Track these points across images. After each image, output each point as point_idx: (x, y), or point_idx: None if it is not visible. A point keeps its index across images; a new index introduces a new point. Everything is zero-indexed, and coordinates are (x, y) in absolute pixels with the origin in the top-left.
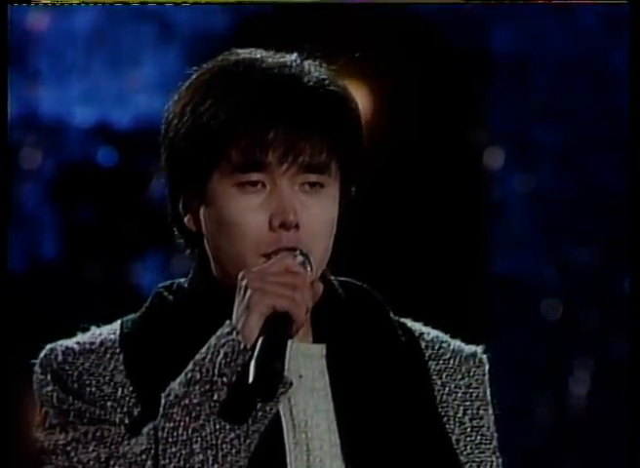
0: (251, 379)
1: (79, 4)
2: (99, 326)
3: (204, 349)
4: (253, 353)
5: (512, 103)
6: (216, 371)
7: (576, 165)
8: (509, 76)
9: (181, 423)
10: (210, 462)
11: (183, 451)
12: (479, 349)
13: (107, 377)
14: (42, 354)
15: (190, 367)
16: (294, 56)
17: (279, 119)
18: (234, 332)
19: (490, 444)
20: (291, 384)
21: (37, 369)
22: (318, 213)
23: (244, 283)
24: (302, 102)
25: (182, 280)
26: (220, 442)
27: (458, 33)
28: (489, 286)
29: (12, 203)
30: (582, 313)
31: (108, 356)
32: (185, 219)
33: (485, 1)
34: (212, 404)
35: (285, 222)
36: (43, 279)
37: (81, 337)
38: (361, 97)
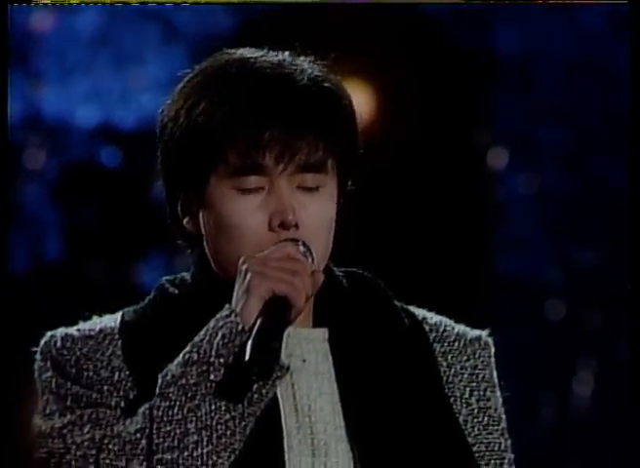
0: (247, 357)
1: (79, 4)
2: (101, 315)
3: (202, 331)
4: (251, 334)
5: (515, 103)
6: (213, 352)
7: (579, 165)
8: (512, 76)
9: (177, 402)
10: (204, 443)
11: (178, 431)
12: (484, 333)
13: (105, 362)
14: (42, 341)
15: (188, 348)
16: (286, 54)
17: (274, 120)
18: (233, 315)
19: (498, 425)
20: (287, 368)
21: (37, 356)
22: (317, 211)
23: (244, 267)
24: (296, 102)
25: (186, 273)
26: (214, 423)
27: (460, 33)
28: (492, 286)
29: (15, 203)
30: (586, 313)
31: (107, 342)
32: (184, 222)
33: (484, 0)
34: (208, 384)
35: (284, 222)
36: (46, 279)
37: (82, 325)
38: (364, 97)
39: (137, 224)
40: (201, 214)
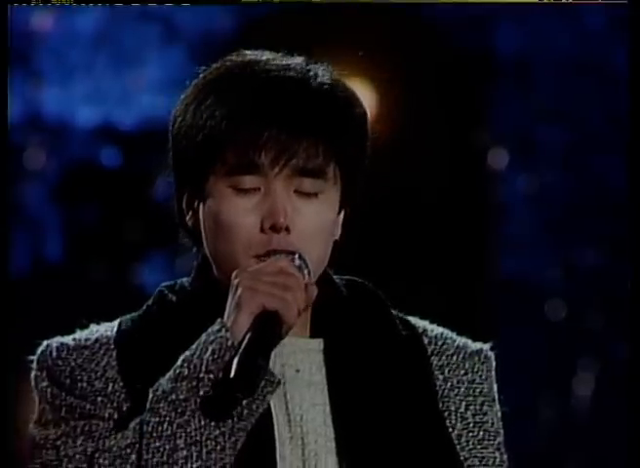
0: (232, 373)
1: (79, 4)
2: (98, 323)
3: (194, 346)
4: (239, 349)
5: (516, 104)
6: (203, 368)
7: (580, 165)
8: (512, 76)
9: (167, 418)
10: (193, 458)
11: (167, 446)
12: (485, 346)
13: (99, 373)
14: (39, 350)
15: (179, 363)
16: (300, 59)
17: (273, 120)
18: (223, 330)
19: (494, 440)
20: (279, 383)
21: (34, 365)
22: (312, 217)
23: (236, 281)
24: (299, 104)
25: (185, 280)
26: (204, 438)
27: (460, 33)
28: (493, 286)
29: (15, 203)
30: (587, 313)
31: (102, 352)
32: (187, 218)
33: (485, 0)
34: (198, 400)
35: (275, 225)
36: (46, 279)
37: (78, 334)
38: (363, 98)
39: (137, 225)
40: (201, 211)
